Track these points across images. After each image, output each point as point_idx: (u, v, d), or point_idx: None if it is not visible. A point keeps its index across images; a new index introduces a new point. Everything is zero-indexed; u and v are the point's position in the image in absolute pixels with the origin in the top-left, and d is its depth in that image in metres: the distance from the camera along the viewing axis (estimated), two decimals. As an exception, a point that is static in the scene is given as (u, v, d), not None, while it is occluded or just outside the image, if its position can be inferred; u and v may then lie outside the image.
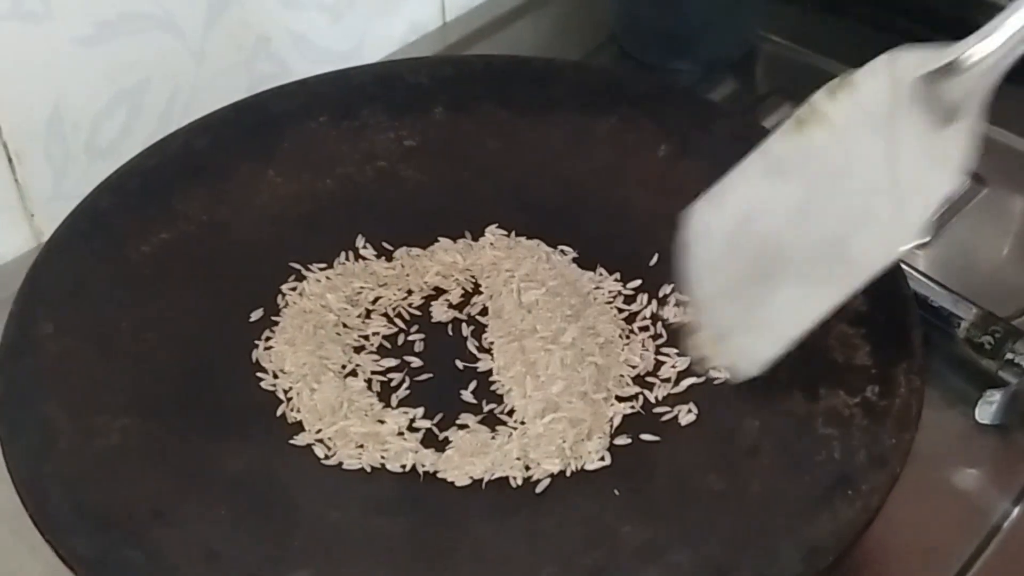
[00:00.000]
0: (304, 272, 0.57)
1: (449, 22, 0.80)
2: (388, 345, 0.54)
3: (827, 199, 0.47)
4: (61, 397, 0.49)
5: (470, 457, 0.49)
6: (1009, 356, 0.53)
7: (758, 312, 0.49)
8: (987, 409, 0.53)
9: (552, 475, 0.49)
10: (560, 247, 0.58)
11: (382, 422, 0.50)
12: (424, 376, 0.53)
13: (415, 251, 0.58)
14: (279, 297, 0.56)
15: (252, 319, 0.55)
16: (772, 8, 0.74)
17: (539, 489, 0.48)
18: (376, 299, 0.56)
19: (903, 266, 0.53)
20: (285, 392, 0.52)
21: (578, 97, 0.62)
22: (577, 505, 0.48)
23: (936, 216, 0.45)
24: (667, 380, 0.52)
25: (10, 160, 0.62)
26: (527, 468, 0.49)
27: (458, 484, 0.48)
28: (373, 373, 0.53)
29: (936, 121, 0.44)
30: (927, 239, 0.46)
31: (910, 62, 0.45)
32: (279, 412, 0.51)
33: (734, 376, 0.51)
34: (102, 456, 0.48)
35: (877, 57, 0.46)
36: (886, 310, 0.51)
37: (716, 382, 0.52)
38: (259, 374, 0.53)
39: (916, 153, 0.45)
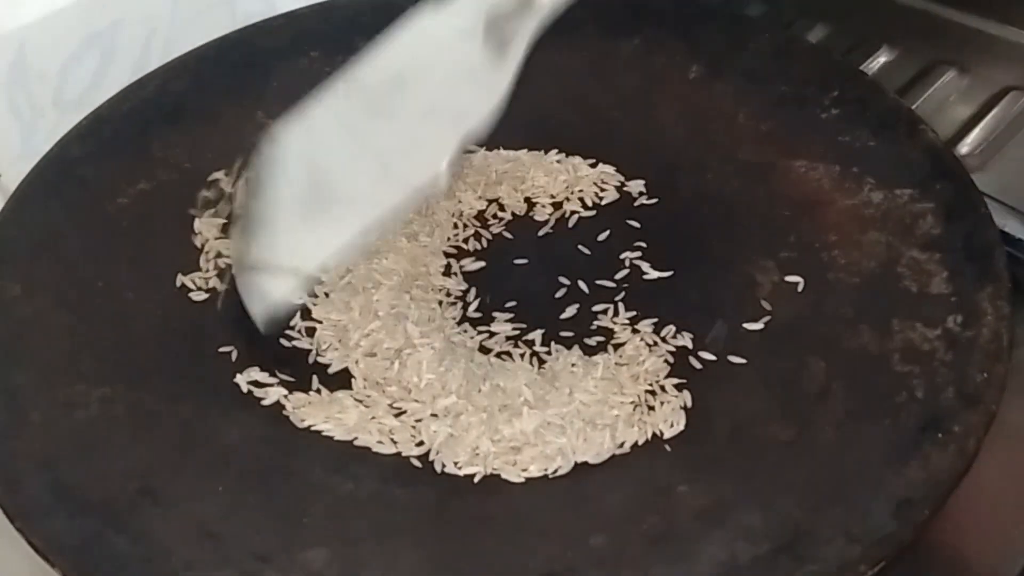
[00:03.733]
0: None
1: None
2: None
3: (382, 120, 0.45)
4: (32, 366, 0.44)
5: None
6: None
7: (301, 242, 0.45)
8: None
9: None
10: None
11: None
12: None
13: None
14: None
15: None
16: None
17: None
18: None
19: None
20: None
21: (599, 18, 0.57)
22: (625, 465, 0.42)
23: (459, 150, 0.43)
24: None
25: (-30, 114, 0.56)
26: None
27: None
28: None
29: (492, 54, 0.44)
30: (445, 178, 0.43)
31: None
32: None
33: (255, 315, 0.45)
34: (80, 430, 0.42)
35: None
36: (961, 231, 0.45)
37: (765, 323, 0.46)
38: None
39: (467, 81, 0.44)
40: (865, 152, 0.50)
